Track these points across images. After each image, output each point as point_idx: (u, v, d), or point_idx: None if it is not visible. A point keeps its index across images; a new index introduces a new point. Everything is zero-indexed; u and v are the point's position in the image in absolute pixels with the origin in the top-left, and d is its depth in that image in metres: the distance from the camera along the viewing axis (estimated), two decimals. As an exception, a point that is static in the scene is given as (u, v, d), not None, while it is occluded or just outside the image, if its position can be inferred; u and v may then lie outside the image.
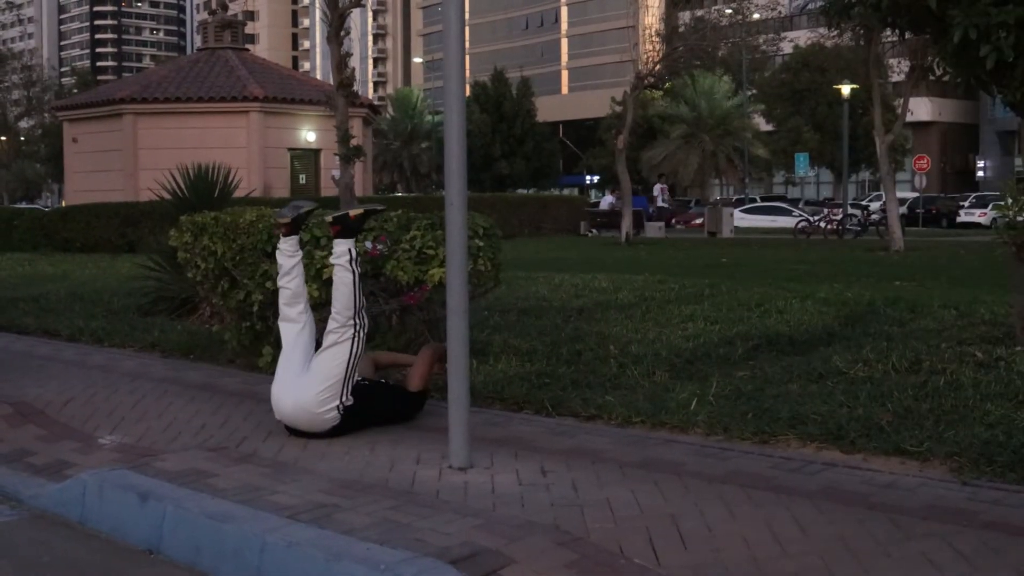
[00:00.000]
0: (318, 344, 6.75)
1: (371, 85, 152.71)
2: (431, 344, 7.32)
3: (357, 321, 6.60)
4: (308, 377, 6.61)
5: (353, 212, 6.86)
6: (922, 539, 4.74)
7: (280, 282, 6.93)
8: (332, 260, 6.77)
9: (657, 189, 44.65)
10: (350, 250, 6.65)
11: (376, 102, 63.50)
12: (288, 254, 6.90)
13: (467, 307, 6.05)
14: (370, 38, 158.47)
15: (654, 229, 39.98)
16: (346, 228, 6.74)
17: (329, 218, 6.91)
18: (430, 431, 6.75)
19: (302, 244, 7.85)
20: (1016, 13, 8.26)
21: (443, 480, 5.76)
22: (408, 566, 4.40)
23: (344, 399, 6.63)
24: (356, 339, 6.59)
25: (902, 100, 32.40)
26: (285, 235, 6.93)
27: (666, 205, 42.52)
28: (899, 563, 4.48)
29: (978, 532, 4.81)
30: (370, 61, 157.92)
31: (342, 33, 18.86)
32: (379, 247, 8.49)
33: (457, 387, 6.00)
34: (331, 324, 6.62)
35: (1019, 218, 9.00)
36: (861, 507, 5.19)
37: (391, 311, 8.72)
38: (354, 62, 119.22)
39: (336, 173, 22.29)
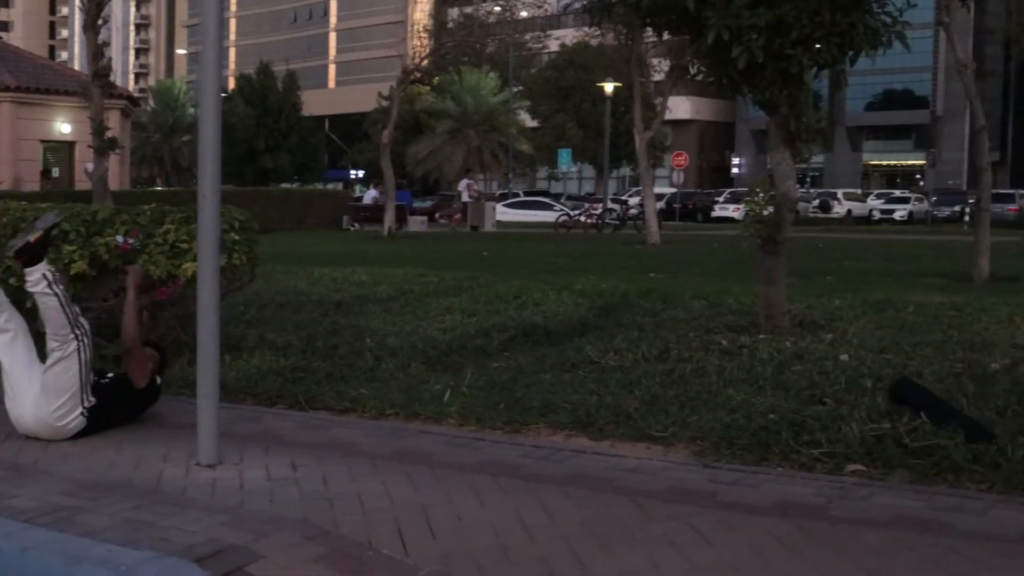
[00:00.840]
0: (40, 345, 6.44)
1: (132, 76, 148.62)
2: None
3: (77, 332, 6.35)
4: (42, 393, 6.32)
5: (33, 237, 6.45)
6: (664, 521, 4.89)
7: None
8: (29, 288, 6.39)
9: (463, 184, 44.03)
10: (45, 275, 6.34)
11: (137, 94, 61.83)
12: None
13: (218, 302, 5.95)
14: (132, 28, 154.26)
15: (417, 223, 40.04)
16: (33, 256, 6.41)
17: (11, 253, 6.54)
18: (179, 428, 6.57)
19: (51, 240, 7.51)
20: (767, 16, 8.57)
21: (190, 477, 5.64)
22: (149, 566, 4.29)
23: (86, 403, 6.40)
24: (81, 348, 6.35)
25: (662, 98, 33.39)
26: None
27: (472, 200, 42.00)
28: (641, 544, 4.61)
29: (716, 512, 5.00)
30: (132, 51, 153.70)
31: (99, 22, 18.22)
32: (131, 241, 8.28)
33: (206, 383, 5.89)
34: (51, 343, 6.33)
35: (765, 212, 9.37)
36: (607, 492, 5.33)
37: (143, 306, 8.48)
38: (114, 52, 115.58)
39: (90, 166, 21.49)
